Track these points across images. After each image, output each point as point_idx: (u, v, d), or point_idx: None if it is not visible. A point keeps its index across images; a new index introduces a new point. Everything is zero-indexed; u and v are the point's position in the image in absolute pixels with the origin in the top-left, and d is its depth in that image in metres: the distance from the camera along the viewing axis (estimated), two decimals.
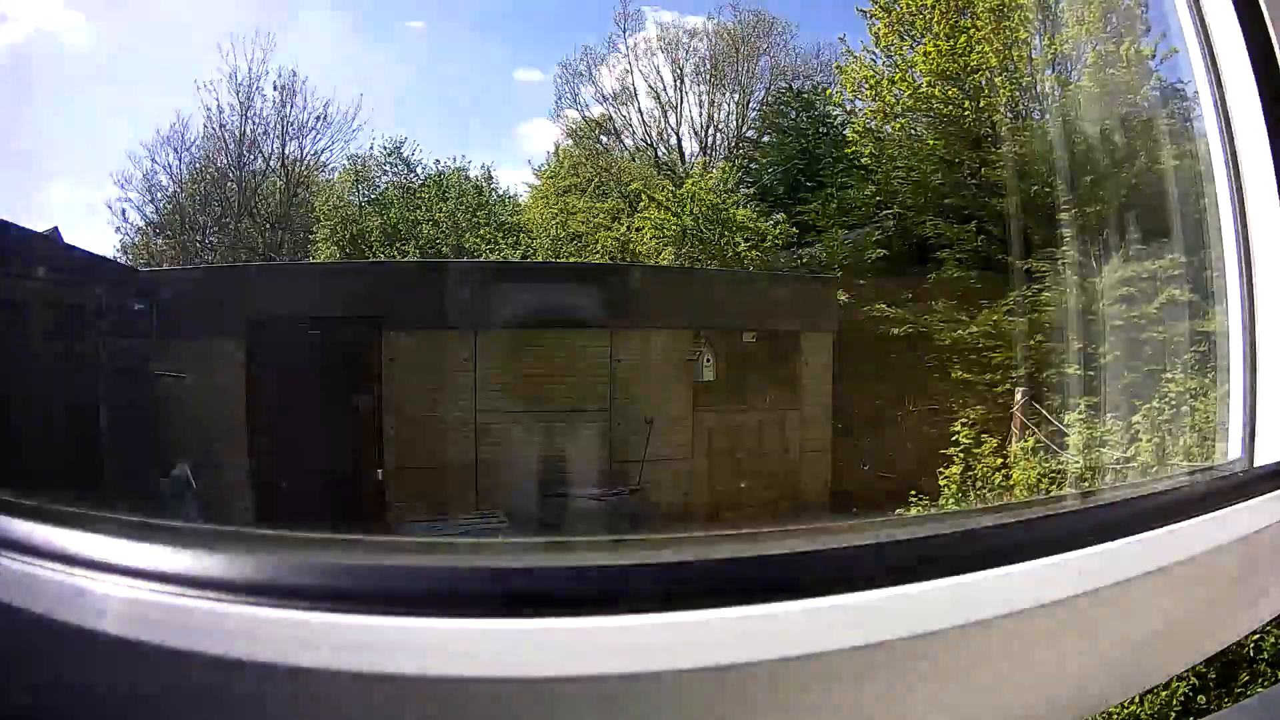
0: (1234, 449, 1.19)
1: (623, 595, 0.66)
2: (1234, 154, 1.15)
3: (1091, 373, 2.61)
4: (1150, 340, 2.34)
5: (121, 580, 0.64)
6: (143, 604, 0.63)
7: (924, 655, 0.74)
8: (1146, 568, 0.88)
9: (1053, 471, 2.85)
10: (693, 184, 5.55)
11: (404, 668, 0.62)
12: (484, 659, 0.63)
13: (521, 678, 0.62)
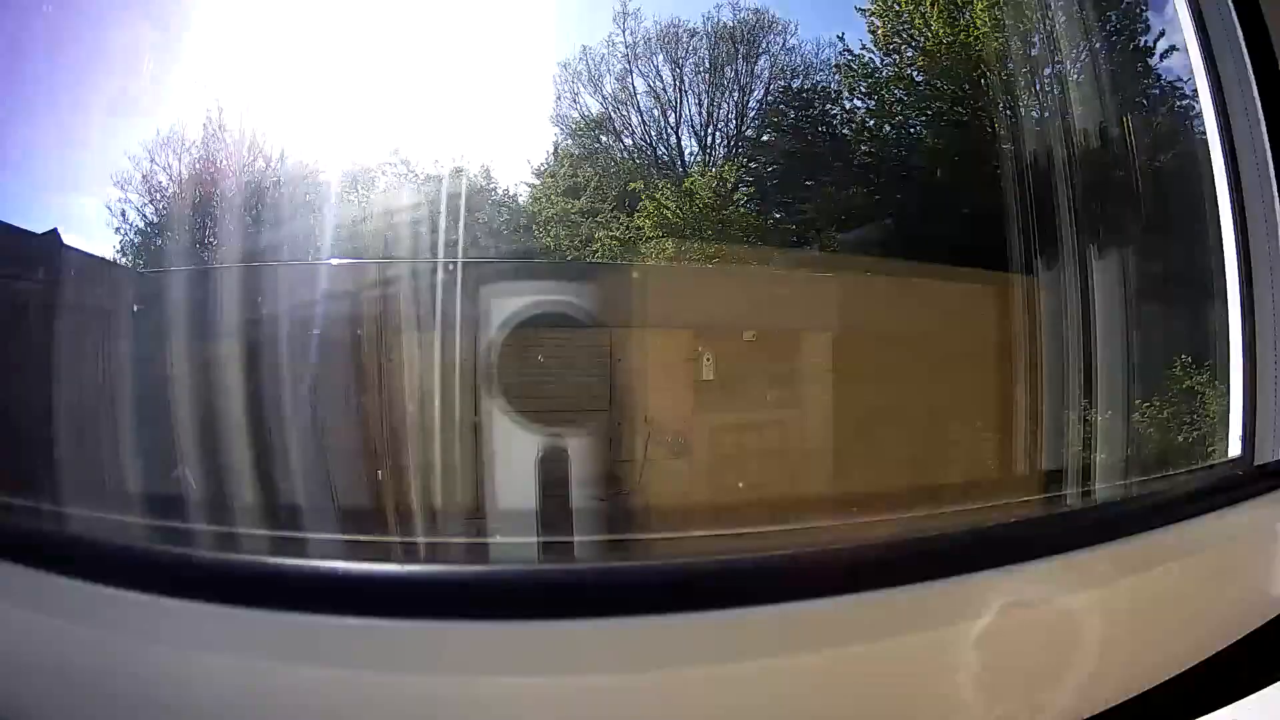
0: (1234, 447, 1.19)
1: (624, 597, 0.66)
2: (1234, 154, 1.15)
3: (1092, 371, 2.61)
4: (1150, 338, 2.34)
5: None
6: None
7: (925, 655, 0.74)
8: (1147, 567, 0.88)
9: (1053, 470, 2.84)
10: (692, 183, 5.57)
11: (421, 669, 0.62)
12: (482, 661, 0.63)
13: (515, 681, 0.62)
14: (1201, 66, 1.20)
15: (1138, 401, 2.14)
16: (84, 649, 0.66)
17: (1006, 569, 0.78)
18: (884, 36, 4.23)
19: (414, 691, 0.62)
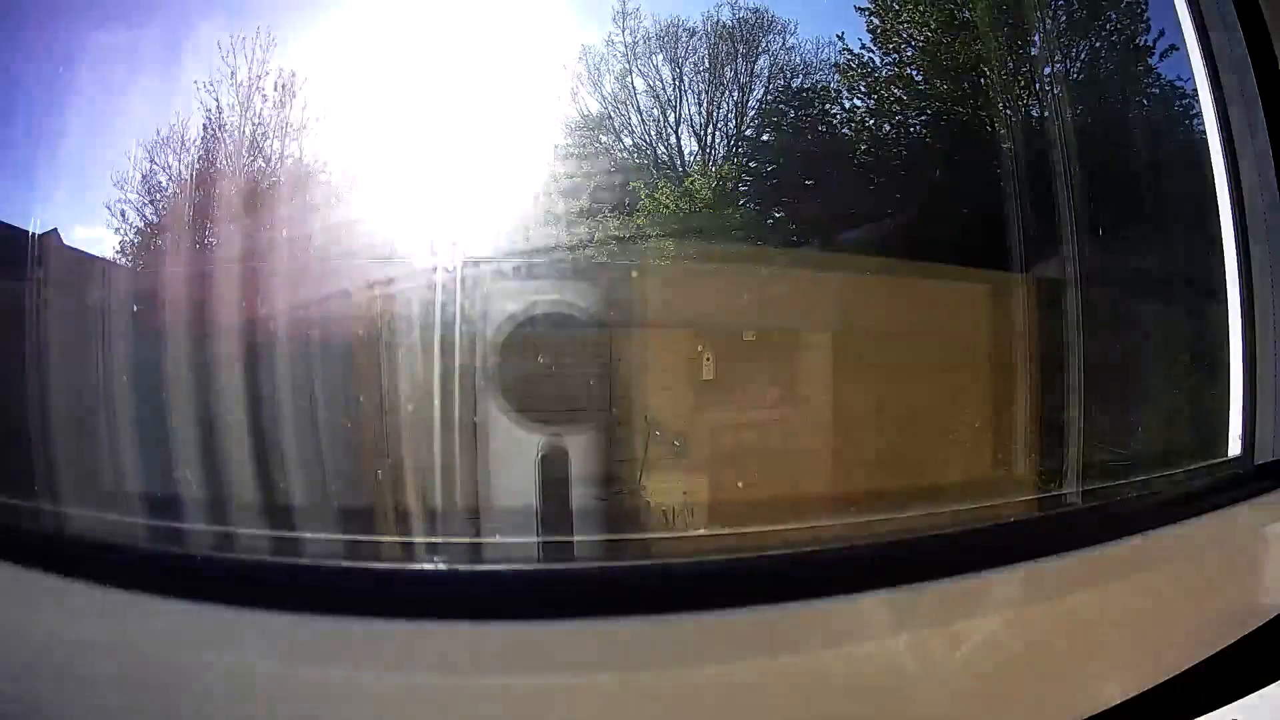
0: (1234, 447, 1.19)
1: (624, 597, 0.66)
2: (1233, 154, 1.15)
3: (1092, 371, 2.61)
4: (1150, 338, 2.33)
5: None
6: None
7: (925, 654, 0.74)
8: (1147, 567, 0.88)
9: (1053, 471, 2.84)
10: (691, 182, 5.56)
11: (406, 672, 0.62)
12: (482, 661, 0.63)
13: (516, 681, 0.62)
14: (1201, 66, 1.20)
15: (1138, 401, 2.14)
16: (84, 649, 0.66)
17: (1006, 569, 0.78)
18: (884, 35, 4.21)
19: (414, 691, 0.62)
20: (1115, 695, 0.81)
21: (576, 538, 2.19)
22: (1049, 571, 0.81)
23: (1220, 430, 1.21)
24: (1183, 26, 1.22)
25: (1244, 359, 1.19)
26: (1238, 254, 1.20)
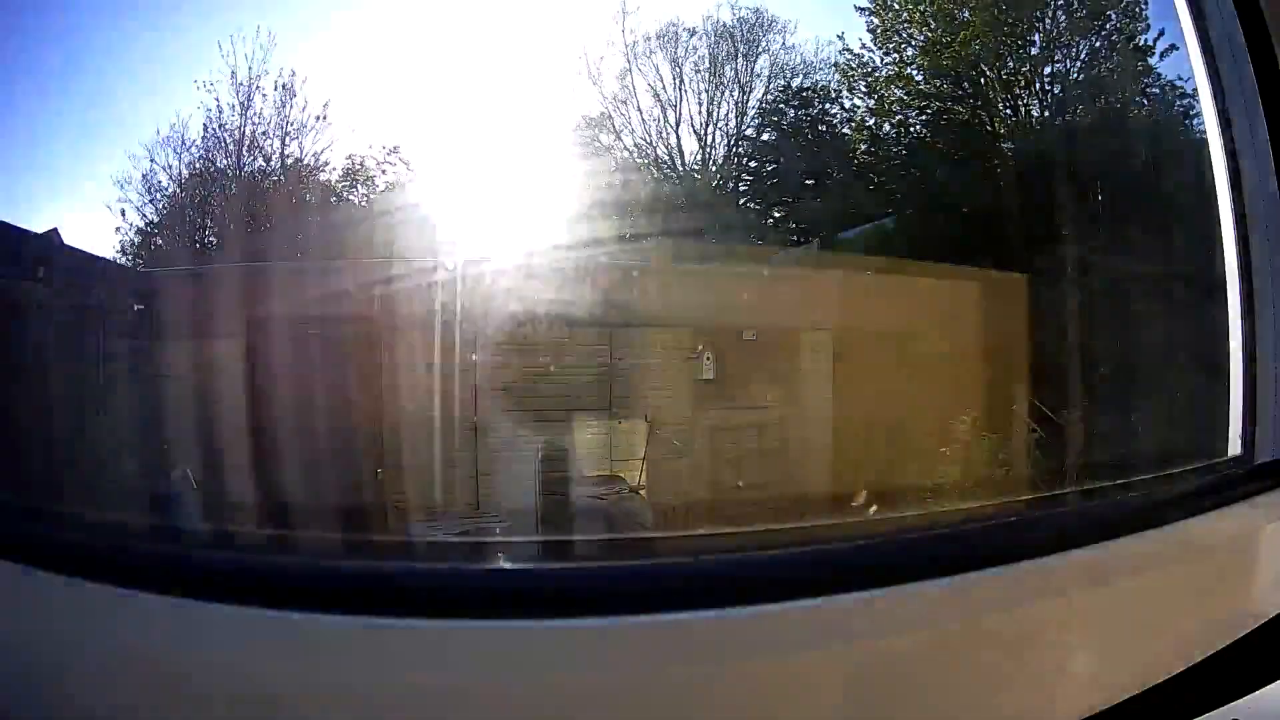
0: (1234, 447, 1.19)
1: (624, 597, 0.66)
2: (1234, 153, 1.15)
3: (1092, 370, 2.61)
4: (1151, 338, 2.34)
5: None
6: None
7: (925, 655, 0.74)
8: (1147, 566, 0.88)
9: (1053, 470, 2.85)
10: (692, 182, 5.56)
11: (403, 672, 0.62)
12: (482, 661, 0.63)
13: (515, 681, 0.62)
14: (1201, 66, 1.20)
15: (1138, 400, 2.13)
16: (85, 648, 0.66)
17: (1006, 569, 0.78)
18: (884, 35, 4.21)
19: (413, 690, 0.62)
20: (1115, 695, 0.81)
21: (576, 537, 2.19)
22: (1049, 571, 0.81)
23: (1220, 430, 1.21)
24: (1183, 25, 1.22)
25: (1244, 359, 1.19)
26: (1238, 254, 1.19)
